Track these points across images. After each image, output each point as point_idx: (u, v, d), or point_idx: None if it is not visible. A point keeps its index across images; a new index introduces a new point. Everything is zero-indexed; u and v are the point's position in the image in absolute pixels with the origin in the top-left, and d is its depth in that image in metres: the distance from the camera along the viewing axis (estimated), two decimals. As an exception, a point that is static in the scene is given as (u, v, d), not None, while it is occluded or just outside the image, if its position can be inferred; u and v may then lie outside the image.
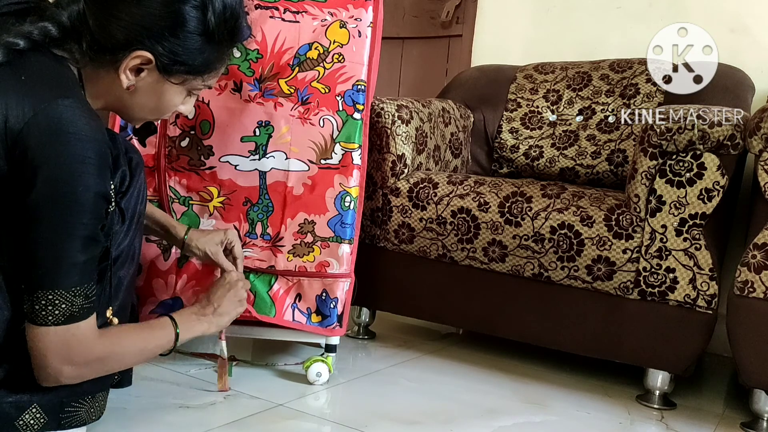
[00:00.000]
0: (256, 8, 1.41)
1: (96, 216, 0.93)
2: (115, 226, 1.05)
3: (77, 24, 0.95)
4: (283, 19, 1.43)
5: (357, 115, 1.45)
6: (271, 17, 1.42)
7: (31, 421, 0.98)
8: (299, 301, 1.42)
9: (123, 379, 1.18)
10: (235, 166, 1.42)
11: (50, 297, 0.91)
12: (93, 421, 1.05)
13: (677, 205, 1.39)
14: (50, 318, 0.91)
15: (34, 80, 0.91)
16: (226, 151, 1.42)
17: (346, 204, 1.44)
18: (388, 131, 1.70)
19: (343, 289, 1.43)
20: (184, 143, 1.41)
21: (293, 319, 1.41)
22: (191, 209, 1.41)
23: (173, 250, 1.40)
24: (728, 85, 1.78)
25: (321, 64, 1.45)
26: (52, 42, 0.95)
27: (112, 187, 0.98)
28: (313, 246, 1.42)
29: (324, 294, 1.41)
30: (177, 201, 1.40)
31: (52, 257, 0.90)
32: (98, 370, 1.00)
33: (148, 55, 0.97)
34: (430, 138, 1.85)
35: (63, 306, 0.92)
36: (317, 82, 1.44)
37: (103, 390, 1.07)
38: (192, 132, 1.41)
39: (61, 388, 0.99)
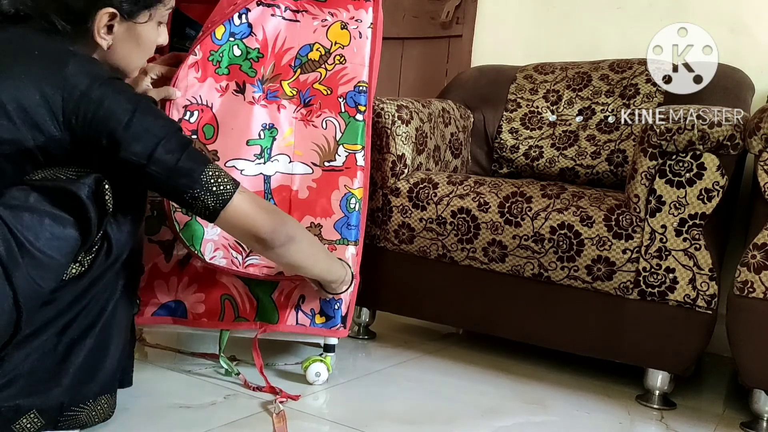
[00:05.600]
0: (258, 5, 1.40)
1: (162, 113, 1.12)
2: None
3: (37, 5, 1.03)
4: (283, 18, 1.43)
5: (359, 117, 1.45)
6: (272, 15, 1.42)
7: (28, 425, 0.98)
8: (303, 302, 1.41)
9: (124, 379, 1.19)
10: (241, 170, 1.37)
11: (210, 173, 1.04)
12: (96, 424, 1.06)
13: (677, 205, 1.39)
14: (229, 186, 1.06)
15: (42, 52, 0.99)
16: (232, 156, 1.37)
17: (352, 206, 1.43)
18: (388, 131, 1.70)
19: (347, 291, 1.43)
20: None
21: (297, 323, 1.41)
22: (195, 218, 1.33)
23: (174, 251, 1.39)
24: (728, 85, 1.78)
25: (323, 66, 1.44)
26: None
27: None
28: None
29: None
30: (180, 210, 1.32)
31: (182, 157, 1.02)
32: (294, 224, 1.21)
33: (111, 9, 1.04)
34: (430, 138, 1.85)
35: (223, 173, 1.06)
36: (319, 83, 1.44)
37: (107, 393, 1.08)
38: (194, 137, 1.36)
39: (62, 392, 1.00)
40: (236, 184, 1.07)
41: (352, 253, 1.43)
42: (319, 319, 1.42)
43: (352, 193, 1.43)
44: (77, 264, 0.99)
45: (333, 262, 1.33)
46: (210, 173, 1.04)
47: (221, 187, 1.05)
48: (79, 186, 0.95)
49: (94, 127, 0.97)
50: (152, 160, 1.00)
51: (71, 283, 0.99)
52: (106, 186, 0.98)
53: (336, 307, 1.41)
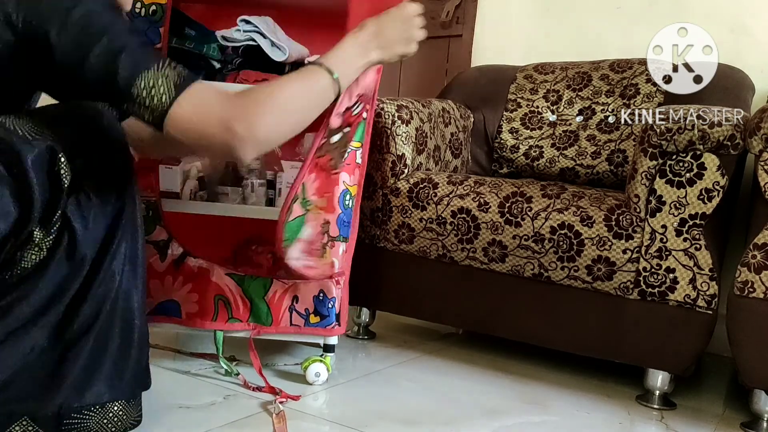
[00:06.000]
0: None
1: (107, 11, 0.91)
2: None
3: None
4: None
5: (363, 114, 1.45)
6: None
7: None
8: (296, 302, 1.41)
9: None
10: None
11: (142, 83, 0.89)
12: None
13: (677, 205, 1.39)
14: (164, 97, 0.89)
15: None
16: None
17: (347, 202, 1.43)
18: (388, 131, 1.70)
19: (339, 288, 1.42)
20: (334, 138, 1.30)
21: (291, 323, 1.41)
22: (306, 214, 1.27)
23: (169, 251, 1.39)
24: (728, 85, 1.78)
25: None
26: None
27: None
28: (326, 247, 1.41)
29: (321, 294, 1.41)
30: (298, 200, 1.26)
31: (119, 61, 0.88)
32: (270, 107, 0.95)
33: None
34: (430, 138, 1.85)
35: (160, 81, 0.89)
36: None
37: (120, 399, 1.02)
38: (347, 130, 1.30)
39: (59, 397, 0.95)
40: (174, 92, 0.91)
41: (343, 249, 1.41)
42: (313, 319, 1.42)
43: (349, 190, 1.43)
44: (35, 247, 0.91)
45: (312, 83, 1.05)
46: (143, 84, 0.90)
47: (155, 100, 0.90)
48: (27, 148, 0.85)
49: (33, 22, 0.88)
50: (86, 66, 0.88)
51: (38, 275, 0.92)
52: (62, 159, 0.89)
53: (330, 305, 1.41)
